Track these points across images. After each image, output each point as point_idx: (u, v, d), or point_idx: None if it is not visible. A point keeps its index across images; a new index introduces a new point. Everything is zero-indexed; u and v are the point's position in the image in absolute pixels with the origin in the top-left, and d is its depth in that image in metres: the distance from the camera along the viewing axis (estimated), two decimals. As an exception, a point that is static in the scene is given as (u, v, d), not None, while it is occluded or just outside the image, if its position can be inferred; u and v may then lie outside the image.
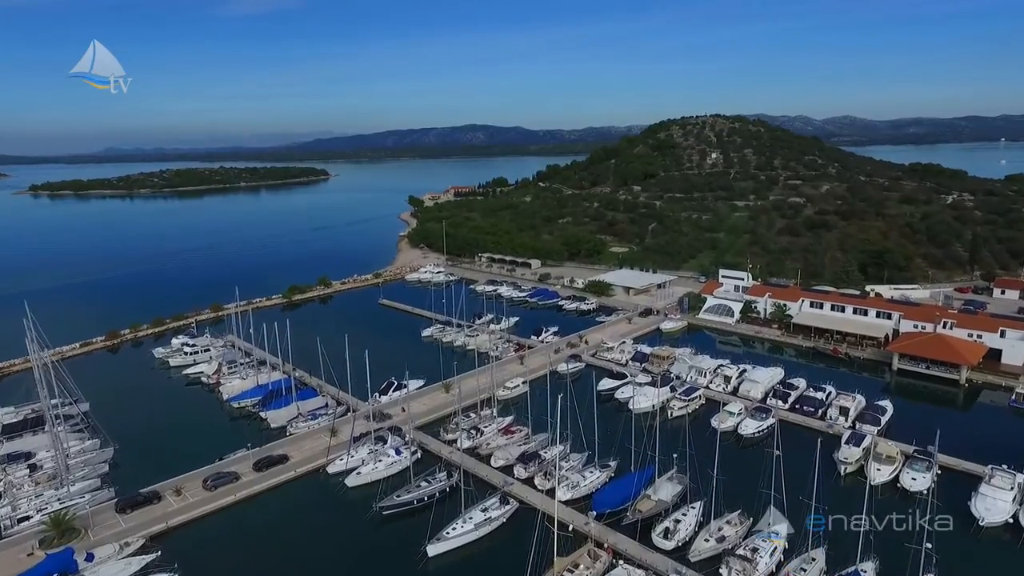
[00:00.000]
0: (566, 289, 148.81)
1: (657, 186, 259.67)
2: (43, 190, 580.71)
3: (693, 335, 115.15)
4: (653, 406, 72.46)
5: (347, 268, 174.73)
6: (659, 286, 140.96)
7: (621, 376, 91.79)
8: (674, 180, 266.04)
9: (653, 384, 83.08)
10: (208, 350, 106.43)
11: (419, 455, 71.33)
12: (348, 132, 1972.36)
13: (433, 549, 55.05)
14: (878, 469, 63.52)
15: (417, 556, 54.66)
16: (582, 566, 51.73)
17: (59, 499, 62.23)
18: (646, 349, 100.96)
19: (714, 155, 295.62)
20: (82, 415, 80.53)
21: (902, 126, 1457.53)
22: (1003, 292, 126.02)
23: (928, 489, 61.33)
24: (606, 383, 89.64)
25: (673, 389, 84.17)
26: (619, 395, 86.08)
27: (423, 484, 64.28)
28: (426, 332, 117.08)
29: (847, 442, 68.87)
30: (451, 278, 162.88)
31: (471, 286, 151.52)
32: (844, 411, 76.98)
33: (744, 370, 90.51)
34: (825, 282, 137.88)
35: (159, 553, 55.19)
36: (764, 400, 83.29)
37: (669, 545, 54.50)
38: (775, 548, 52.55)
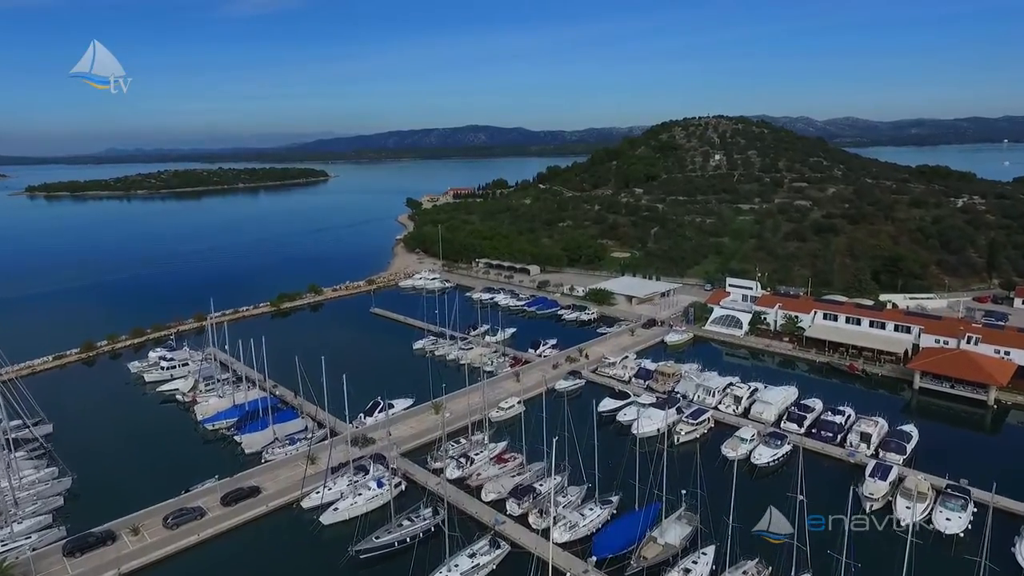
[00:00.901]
0: (566, 297, 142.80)
1: (659, 188, 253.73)
2: (40, 191, 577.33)
3: (699, 348, 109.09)
4: (659, 430, 66.58)
5: (341, 273, 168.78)
6: (663, 295, 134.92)
7: (624, 395, 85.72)
8: (677, 182, 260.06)
9: (658, 405, 77.15)
10: (187, 364, 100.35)
11: (403, 487, 65.33)
12: (350, 133, 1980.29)
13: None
14: (907, 507, 57.28)
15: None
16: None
17: (1, 541, 56.17)
18: (650, 365, 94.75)
19: (717, 157, 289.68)
20: (42, 440, 74.65)
21: (904, 127, 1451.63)
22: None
23: (964, 531, 55.78)
24: (607, 403, 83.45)
25: (680, 411, 78.09)
26: (621, 417, 79.96)
27: (405, 523, 58.21)
28: (418, 345, 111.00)
29: (871, 475, 62.61)
30: (446, 284, 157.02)
31: (467, 294, 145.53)
32: (866, 437, 70.79)
33: (755, 389, 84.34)
34: (836, 291, 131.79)
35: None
36: (778, 424, 77.20)
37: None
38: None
